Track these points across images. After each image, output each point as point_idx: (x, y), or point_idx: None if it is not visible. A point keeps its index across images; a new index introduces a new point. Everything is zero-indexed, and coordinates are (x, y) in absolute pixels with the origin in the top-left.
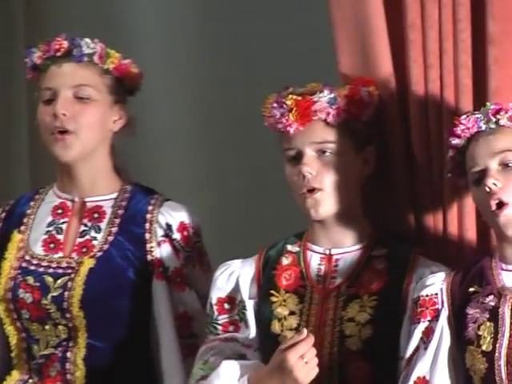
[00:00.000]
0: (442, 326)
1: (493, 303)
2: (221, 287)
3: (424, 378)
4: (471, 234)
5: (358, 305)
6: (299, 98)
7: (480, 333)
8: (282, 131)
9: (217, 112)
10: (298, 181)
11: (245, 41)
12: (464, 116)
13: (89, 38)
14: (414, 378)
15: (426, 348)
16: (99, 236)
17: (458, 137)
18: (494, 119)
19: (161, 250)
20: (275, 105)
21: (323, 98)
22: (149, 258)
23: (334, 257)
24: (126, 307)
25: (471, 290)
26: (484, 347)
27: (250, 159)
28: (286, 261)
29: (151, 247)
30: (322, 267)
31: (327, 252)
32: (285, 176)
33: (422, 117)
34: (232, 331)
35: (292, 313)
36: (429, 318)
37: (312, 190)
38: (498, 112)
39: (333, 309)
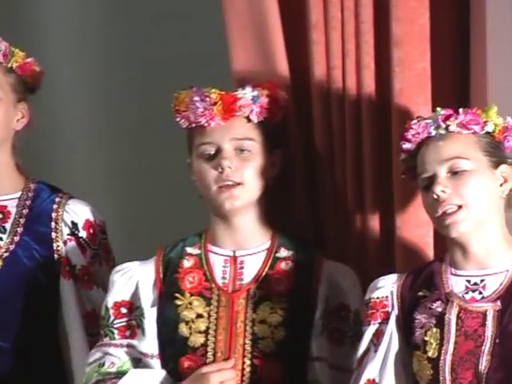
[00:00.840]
0: (392, 329)
1: (440, 309)
2: (118, 291)
3: (374, 380)
4: (375, 233)
5: (268, 306)
6: (223, 92)
7: (426, 338)
8: (197, 126)
9: (119, 112)
10: (213, 176)
11: (146, 42)
12: (415, 121)
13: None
14: (363, 380)
15: (376, 351)
16: (5, 237)
17: (409, 141)
18: (443, 125)
19: (67, 249)
20: (197, 98)
21: (247, 95)
22: (56, 257)
23: (239, 258)
24: (34, 308)
25: (420, 294)
26: (430, 353)
27: (152, 159)
28: (187, 263)
29: (58, 246)
30: (228, 269)
31: (231, 254)
32: (191, 173)
33: (326, 118)
34: (129, 336)
35: (199, 316)
36: (379, 321)
37: (229, 186)
38: (447, 118)
39: (243, 311)
